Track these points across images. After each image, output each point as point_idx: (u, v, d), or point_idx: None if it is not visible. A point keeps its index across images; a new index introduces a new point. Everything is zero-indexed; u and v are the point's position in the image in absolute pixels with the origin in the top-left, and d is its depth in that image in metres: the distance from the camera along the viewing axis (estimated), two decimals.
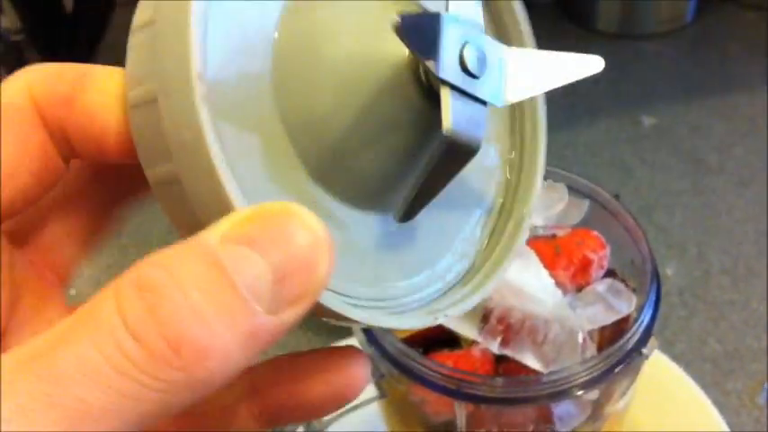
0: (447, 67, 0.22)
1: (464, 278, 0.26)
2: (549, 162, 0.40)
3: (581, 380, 0.33)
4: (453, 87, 0.22)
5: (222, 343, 0.17)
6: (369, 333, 0.36)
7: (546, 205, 0.39)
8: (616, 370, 0.33)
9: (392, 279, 0.25)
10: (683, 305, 0.61)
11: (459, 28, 0.22)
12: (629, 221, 0.38)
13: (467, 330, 0.35)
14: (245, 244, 0.18)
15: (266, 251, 0.18)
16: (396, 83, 0.23)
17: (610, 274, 0.38)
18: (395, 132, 0.23)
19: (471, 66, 0.22)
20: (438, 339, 0.37)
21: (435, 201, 0.24)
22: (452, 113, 0.22)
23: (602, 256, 0.38)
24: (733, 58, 0.80)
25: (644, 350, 0.34)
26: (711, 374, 0.57)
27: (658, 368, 0.54)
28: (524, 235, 0.27)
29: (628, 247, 0.38)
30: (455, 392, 0.33)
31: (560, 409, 0.35)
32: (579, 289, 0.37)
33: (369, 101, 0.23)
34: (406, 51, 0.22)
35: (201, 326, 0.17)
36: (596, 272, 0.38)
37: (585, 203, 0.39)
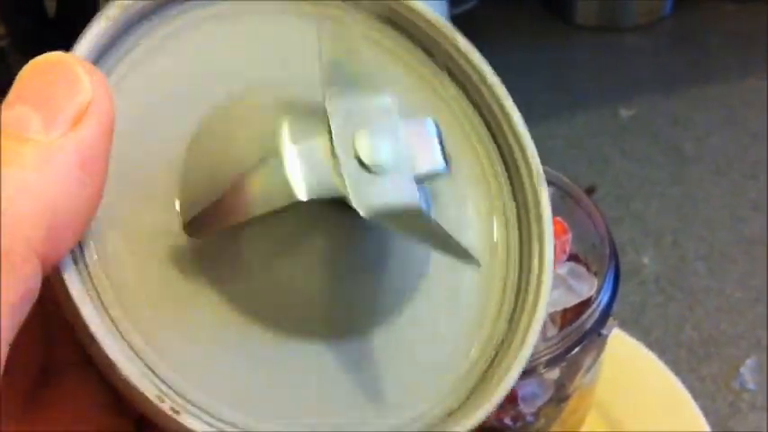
0: (347, 169, 0.21)
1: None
2: None
3: (542, 359, 0.34)
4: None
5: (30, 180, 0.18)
6: None
7: None
8: (575, 349, 0.34)
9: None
10: (659, 292, 0.61)
11: (348, 120, 0.21)
12: (590, 207, 0.39)
13: None
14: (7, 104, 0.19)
15: (23, 97, 0.19)
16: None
17: (573, 258, 0.39)
18: (309, 242, 0.22)
19: (367, 160, 0.21)
20: None
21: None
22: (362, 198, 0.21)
23: (564, 241, 0.38)
24: (712, 50, 0.81)
25: (603, 330, 0.35)
26: (687, 361, 0.57)
27: (632, 355, 0.54)
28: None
29: (589, 232, 0.39)
30: None
31: (524, 389, 0.35)
32: None
33: (276, 216, 0.21)
34: None
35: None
36: (559, 257, 0.38)
37: (549, 190, 0.40)
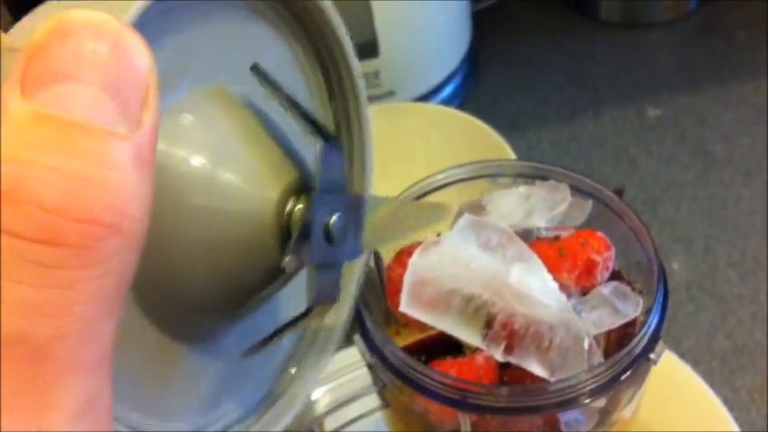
0: (315, 251, 0.24)
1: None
2: (553, 157, 0.40)
3: (588, 388, 0.32)
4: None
5: (121, 185, 0.16)
6: (370, 342, 0.35)
7: (548, 206, 0.39)
8: (623, 377, 0.33)
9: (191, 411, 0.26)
10: (690, 300, 0.60)
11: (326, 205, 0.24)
12: (635, 221, 0.37)
13: (470, 337, 0.34)
14: (56, 81, 0.16)
15: (82, 75, 0.16)
16: (254, 238, 0.24)
17: (615, 275, 0.38)
18: (239, 269, 0.24)
19: (336, 237, 0.24)
20: (441, 347, 0.36)
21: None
22: (315, 288, 0.25)
23: (607, 258, 0.37)
24: (738, 46, 0.78)
25: (652, 356, 0.34)
26: (720, 371, 0.56)
27: (665, 366, 0.52)
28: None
29: (633, 248, 0.37)
30: (459, 403, 0.33)
31: (567, 416, 0.34)
32: (584, 292, 0.37)
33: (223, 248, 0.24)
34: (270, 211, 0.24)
35: (88, 188, 0.15)
36: (601, 274, 0.37)
37: (589, 203, 0.39)
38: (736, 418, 0.50)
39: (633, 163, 0.69)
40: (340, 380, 0.37)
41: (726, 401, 0.51)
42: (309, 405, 0.36)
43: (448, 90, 0.73)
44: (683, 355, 0.54)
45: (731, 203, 0.66)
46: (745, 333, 0.58)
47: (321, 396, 0.36)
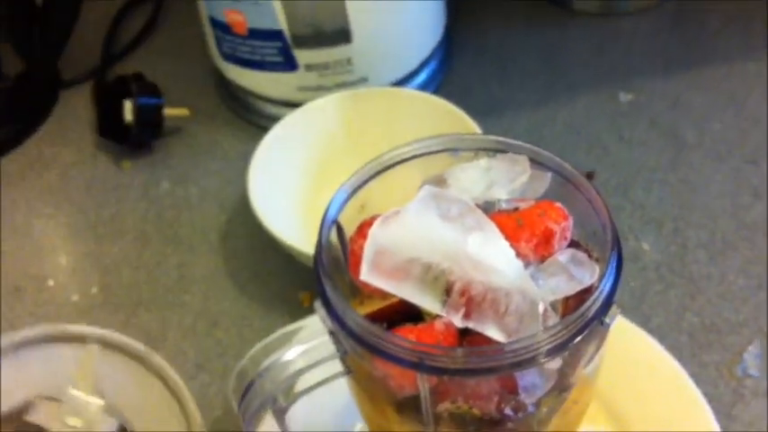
0: None
1: None
2: (523, 139, 0.40)
3: (543, 348, 0.33)
4: None
5: None
6: (330, 309, 0.36)
7: (509, 179, 0.39)
8: (577, 338, 0.33)
9: None
10: (659, 280, 0.61)
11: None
12: (591, 192, 0.38)
13: (429, 304, 0.35)
14: None
15: None
16: None
17: (573, 245, 0.38)
18: None
19: None
20: (402, 315, 0.36)
21: None
22: None
23: (564, 227, 0.37)
24: (711, 34, 0.79)
25: (605, 319, 0.34)
26: (689, 347, 0.57)
27: (634, 342, 0.54)
28: None
29: (590, 218, 0.38)
30: (417, 365, 0.33)
31: (525, 379, 0.34)
32: (542, 261, 0.37)
33: None
34: None
35: None
36: (559, 243, 0.37)
37: (548, 175, 0.39)
38: (704, 393, 0.51)
39: (605, 148, 0.70)
40: (310, 344, 0.37)
41: (694, 377, 0.52)
42: (282, 366, 0.37)
43: (422, 76, 0.74)
44: (652, 332, 0.55)
45: (701, 186, 0.67)
46: (713, 311, 0.59)
47: (293, 358, 0.37)
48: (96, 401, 0.48)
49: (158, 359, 0.52)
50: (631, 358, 0.53)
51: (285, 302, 0.63)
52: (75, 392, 0.48)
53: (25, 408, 0.48)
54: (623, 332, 0.53)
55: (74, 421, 0.48)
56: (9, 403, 0.48)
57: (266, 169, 0.65)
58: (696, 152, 0.69)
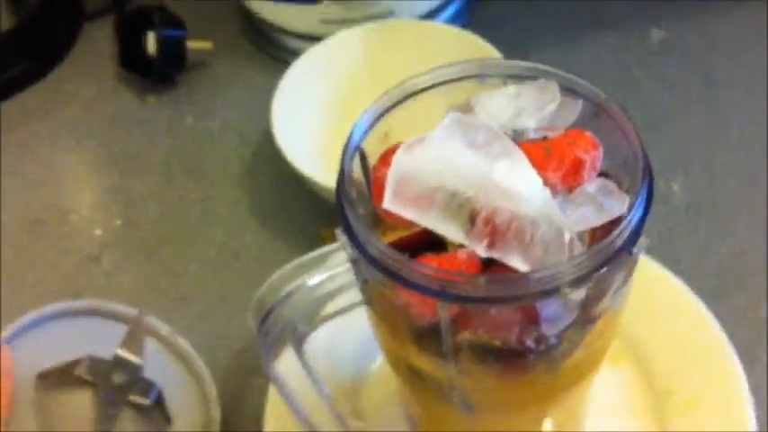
0: None
1: None
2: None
3: (567, 278, 0.32)
4: None
5: None
6: (352, 236, 0.35)
7: (538, 106, 0.38)
8: (603, 269, 0.32)
9: None
10: (687, 220, 0.60)
11: None
12: (623, 120, 0.37)
13: (453, 233, 0.34)
14: None
15: None
16: None
17: (603, 176, 0.37)
18: None
19: None
20: (424, 245, 0.36)
21: None
22: None
23: (594, 157, 0.36)
24: None
25: (634, 249, 0.33)
26: (715, 288, 0.56)
27: (659, 283, 0.53)
28: None
29: (621, 147, 0.37)
30: (439, 293, 0.33)
31: (547, 310, 0.34)
32: (571, 191, 0.36)
33: None
34: None
35: None
36: (589, 173, 0.36)
37: (579, 103, 0.38)
38: (729, 335, 0.50)
39: (635, 85, 0.69)
40: (331, 271, 0.37)
41: (719, 318, 0.51)
42: (302, 292, 0.36)
43: (450, 10, 0.72)
44: (679, 274, 0.54)
45: (734, 125, 0.65)
46: (740, 253, 0.58)
47: (313, 285, 0.37)
48: (138, 360, 0.51)
49: (183, 342, 0.54)
50: (656, 299, 0.52)
51: (307, 237, 0.62)
52: (121, 351, 0.51)
53: (74, 364, 0.50)
54: (649, 273, 0.53)
55: (118, 378, 0.50)
56: (58, 360, 0.50)
57: (289, 104, 0.64)
58: (729, 90, 0.67)
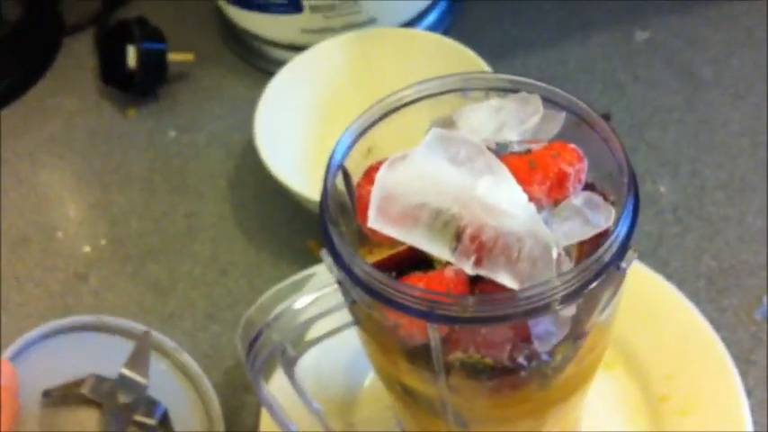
0: None
1: None
2: (537, 78, 0.39)
3: (557, 295, 0.32)
4: None
5: None
6: (337, 257, 0.34)
7: (520, 119, 0.38)
8: (593, 284, 0.32)
9: None
10: (676, 222, 0.59)
11: None
12: (607, 131, 0.36)
13: (439, 251, 0.34)
14: None
15: None
16: None
17: (588, 188, 0.37)
18: None
19: None
20: (411, 263, 0.35)
21: None
22: None
23: (579, 169, 0.36)
24: None
25: (622, 264, 0.33)
26: (707, 291, 0.56)
27: (651, 287, 0.53)
28: None
29: (606, 159, 0.36)
30: (427, 314, 0.32)
31: (538, 327, 0.33)
32: (556, 205, 0.36)
33: None
34: None
35: None
36: (574, 186, 0.36)
37: (562, 115, 0.38)
38: (723, 338, 0.50)
39: (620, 88, 0.68)
40: (320, 292, 0.36)
41: (712, 322, 0.51)
42: (291, 315, 0.36)
43: (432, 16, 0.72)
44: (669, 277, 0.54)
45: (719, 126, 0.65)
46: (731, 254, 0.57)
47: (302, 307, 0.36)
48: (144, 380, 0.51)
49: (188, 358, 0.54)
50: (648, 303, 0.52)
51: (294, 251, 0.62)
52: (126, 371, 0.50)
53: (78, 383, 0.50)
54: (639, 277, 0.52)
55: (124, 398, 0.50)
56: (63, 378, 0.50)
57: (273, 114, 0.63)
58: (714, 91, 0.67)
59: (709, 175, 0.62)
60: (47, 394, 0.50)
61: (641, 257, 0.53)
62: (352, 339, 0.41)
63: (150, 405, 0.51)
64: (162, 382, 0.52)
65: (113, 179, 0.69)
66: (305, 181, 0.60)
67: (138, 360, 0.51)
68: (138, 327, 0.54)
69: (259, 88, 0.64)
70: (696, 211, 0.60)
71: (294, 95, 0.65)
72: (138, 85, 0.72)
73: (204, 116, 0.72)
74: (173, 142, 0.71)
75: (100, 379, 0.50)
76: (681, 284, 0.53)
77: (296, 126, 0.65)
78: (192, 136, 0.71)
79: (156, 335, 0.54)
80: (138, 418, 0.50)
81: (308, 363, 0.40)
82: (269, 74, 0.66)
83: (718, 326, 0.51)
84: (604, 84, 0.69)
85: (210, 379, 0.55)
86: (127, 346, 0.52)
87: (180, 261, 0.63)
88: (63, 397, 0.50)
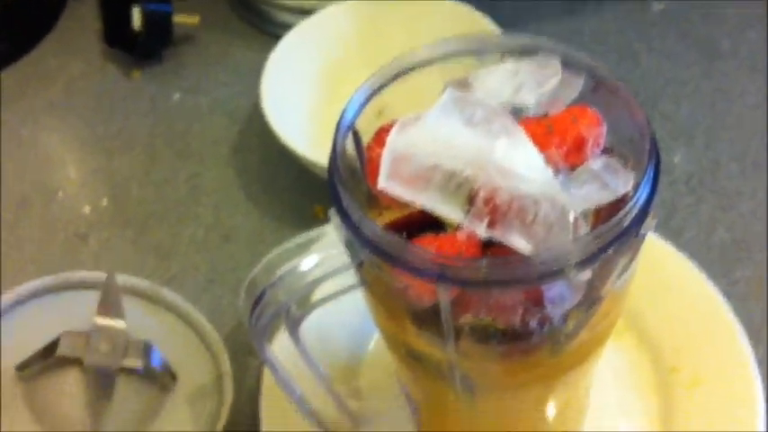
0: None
1: None
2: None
3: (572, 260, 0.31)
4: None
5: None
6: (346, 218, 0.33)
7: (538, 82, 0.36)
8: (610, 250, 0.31)
9: None
10: (690, 193, 0.59)
11: None
12: (628, 95, 0.35)
13: (451, 214, 0.33)
14: None
15: None
16: None
17: (607, 153, 0.36)
18: None
19: None
20: (421, 225, 0.34)
21: None
22: None
23: (597, 134, 0.35)
24: None
25: (641, 230, 0.32)
26: (719, 263, 0.55)
27: (663, 258, 0.52)
28: None
29: (626, 123, 0.35)
30: (438, 277, 0.31)
31: (552, 291, 0.32)
32: (574, 169, 0.35)
33: None
34: None
35: None
36: (592, 150, 0.35)
37: (581, 78, 0.36)
38: (735, 310, 0.49)
39: (635, 58, 0.67)
40: (326, 253, 0.35)
41: (724, 293, 0.50)
42: (297, 275, 0.35)
43: None
44: (682, 248, 0.53)
45: (735, 98, 0.64)
46: (744, 226, 0.56)
47: (308, 268, 0.35)
48: (121, 323, 0.48)
49: (194, 312, 0.52)
50: (660, 274, 0.51)
51: (298, 216, 0.61)
52: (99, 320, 0.48)
53: (51, 346, 0.47)
54: (652, 248, 0.51)
55: (104, 347, 0.47)
56: (34, 347, 0.47)
57: (279, 79, 0.62)
58: (730, 63, 0.66)
59: (723, 147, 0.61)
60: (21, 368, 0.47)
61: (655, 227, 0.52)
62: (357, 302, 0.40)
63: (137, 347, 0.48)
64: (168, 336, 0.50)
65: (116, 143, 0.68)
66: (311, 146, 0.59)
67: (109, 305, 0.48)
68: (101, 275, 0.50)
69: (266, 52, 0.63)
70: (710, 183, 0.59)
71: (301, 60, 0.64)
72: (142, 47, 0.71)
73: (209, 80, 0.71)
74: (177, 105, 0.70)
75: (73, 335, 0.47)
76: (693, 256, 0.52)
77: (302, 91, 0.63)
78: (196, 99, 0.70)
79: (163, 290, 0.52)
80: (127, 363, 0.47)
81: (312, 326, 0.40)
82: (276, 38, 0.64)
83: (730, 297, 0.50)
84: (619, 54, 0.67)
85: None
86: (96, 297, 0.49)
87: (182, 225, 0.62)
88: (40, 365, 0.47)
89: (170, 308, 0.52)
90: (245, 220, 0.62)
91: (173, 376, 0.49)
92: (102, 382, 0.46)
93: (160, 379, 0.48)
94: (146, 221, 0.63)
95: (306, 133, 0.61)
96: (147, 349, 0.48)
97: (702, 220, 0.57)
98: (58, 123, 0.70)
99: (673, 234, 0.55)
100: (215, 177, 0.65)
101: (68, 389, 0.47)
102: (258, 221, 0.61)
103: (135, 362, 0.47)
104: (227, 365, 0.50)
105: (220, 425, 0.48)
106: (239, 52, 0.72)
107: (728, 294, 0.50)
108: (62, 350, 0.46)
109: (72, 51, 0.75)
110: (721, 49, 0.67)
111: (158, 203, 0.64)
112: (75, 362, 0.47)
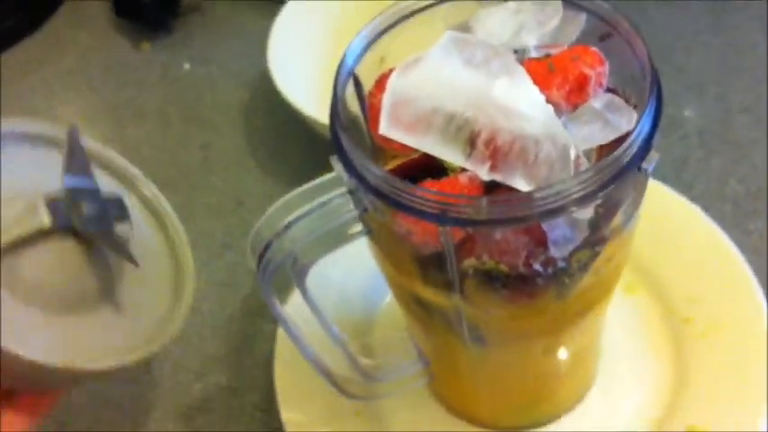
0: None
1: None
2: None
3: (573, 197, 0.30)
4: None
5: None
6: (349, 164, 0.33)
7: (539, 22, 0.36)
8: (611, 186, 0.31)
9: None
10: (702, 146, 0.58)
11: None
12: (630, 33, 0.35)
13: (453, 157, 0.33)
14: None
15: None
16: None
17: (610, 92, 0.35)
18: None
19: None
20: (424, 170, 0.34)
21: None
22: None
23: (600, 73, 0.35)
24: None
25: (643, 165, 0.32)
26: (732, 215, 0.54)
27: (675, 210, 0.51)
28: None
29: (628, 62, 0.35)
30: (440, 218, 0.31)
31: (555, 231, 0.32)
32: (576, 109, 0.35)
33: None
34: None
35: None
36: (594, 89, 0.34)
37: (582, 17, 0.36)
38: (749, 261, 0.49)
39: (643, 10, 0.66)
40: (331, 202, 0.35)
41: (738, 244, 0.50)
42: (301, 224, 0.35)
43: None
44: (694, 200, 0.52)
45: (746, 49, 0.63)
46: (758, 177, 0.56)
47: (312, 216, 0.35)
48: (94, 185, 0.39)
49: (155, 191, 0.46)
50: (673, 226, 0.51)
51: (310, 179, 0.61)
52: (71, 179, 0.38)
53: (27, 216, 0.37)
54: (664, 200, 0.51)
55: (91, 211, 0.39)
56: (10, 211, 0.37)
57: (286, 41, 0.62)
58: (741, 14, 0.65)
59: (734, 98, 0.60)
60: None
61: (666, 181, 0.52)
62: (367, 260, 0.40)
63: (119, 210, 0.40)
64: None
65: (128, 113, 0.68)
66: (319, 108, 0.58)
67: (77, 164, 0.38)
68: (55, 126, 0.41)
69: (272, 18, 0.63)
70: (722, 135, 0.58)
71: (307, 23, 0.64)
72: (151, 17, 0.71)
73: (218, 48, 0.71)
74: (187, 75, 0.70)
75: (53, 201, 0.37)
76: (706, 208, 0.51)
77: (309, 53, 0.63)
78: (206, 68, 0.70)
79: (113, 154, 0.44)
80: (118, 230, 0.40)
81: (324, 284, 0.40)
82: (281, 3, 0.64)
83: (744, 249, 0.50)
84: (627, 7, 0.66)
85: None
86: (52, 155, 0.39)
87: (195, 192, 0.62)
88: (19, 241, 0.36)
89: (126, 182, 0.44)
90: (257, 186, 0.62)
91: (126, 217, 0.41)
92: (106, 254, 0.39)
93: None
94: (159, 188, 0.63)
95: (314, 96, 0.61)
96: (124, 209, 0.40)
97: (714, 172, 0.56)
98: (72, 94, 0.70)
99: (685, 187, 0.55)
100: (226, 144, 0.65)
101: (71, 262, 0.38)
102: (270, 186, 0.62)
103: (126, 227, 0.40)
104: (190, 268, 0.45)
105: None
106: (246, 20, 0.72)
107: (742, 246, 0.50)
108: (45, 219, 0.36)
109: (82, 23, 0.75)
110: (731, 1, 0.66)
111: (171, 171, 0.64)
112: (62, 232, 0.37)
